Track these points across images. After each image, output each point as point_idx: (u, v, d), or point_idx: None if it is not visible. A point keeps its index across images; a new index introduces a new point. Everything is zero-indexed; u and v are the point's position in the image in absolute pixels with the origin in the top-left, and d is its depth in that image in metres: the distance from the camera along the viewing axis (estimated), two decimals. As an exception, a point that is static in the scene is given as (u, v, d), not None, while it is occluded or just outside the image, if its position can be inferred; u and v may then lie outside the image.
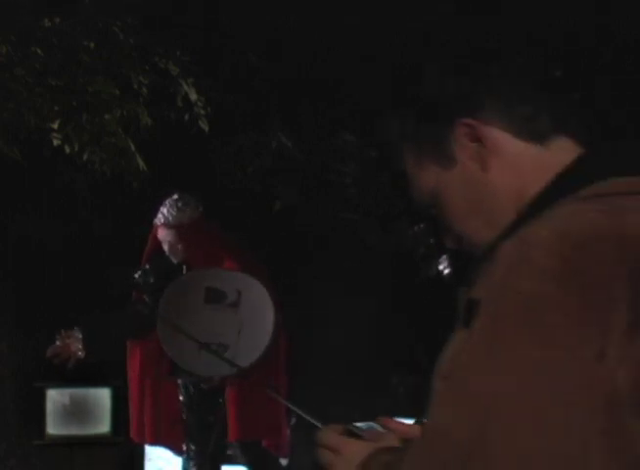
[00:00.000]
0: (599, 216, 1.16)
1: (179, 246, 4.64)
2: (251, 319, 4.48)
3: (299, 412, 2.41)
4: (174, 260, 4.68)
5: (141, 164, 5.44)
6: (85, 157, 5.33)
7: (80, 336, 4.46)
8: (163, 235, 4.66)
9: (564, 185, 1.25)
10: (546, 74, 1.37)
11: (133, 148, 5.43)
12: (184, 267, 4.67)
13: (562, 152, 1.31)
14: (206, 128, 5.72)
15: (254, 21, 6.85)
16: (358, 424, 1.53)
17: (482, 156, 1.32)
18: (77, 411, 6.38)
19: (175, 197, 4.70)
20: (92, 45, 5.31)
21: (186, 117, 5.77)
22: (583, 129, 1.35)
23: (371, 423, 1.56)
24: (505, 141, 1.32)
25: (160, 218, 4.65)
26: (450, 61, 1.38)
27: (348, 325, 6.77)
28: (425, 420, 1.29)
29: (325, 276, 6.95)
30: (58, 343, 4.42)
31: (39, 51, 5.17)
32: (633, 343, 1.09)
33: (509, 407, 1.09)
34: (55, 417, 6.35)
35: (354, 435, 1.49)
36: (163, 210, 4.65)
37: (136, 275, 4.79)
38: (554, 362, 1.09)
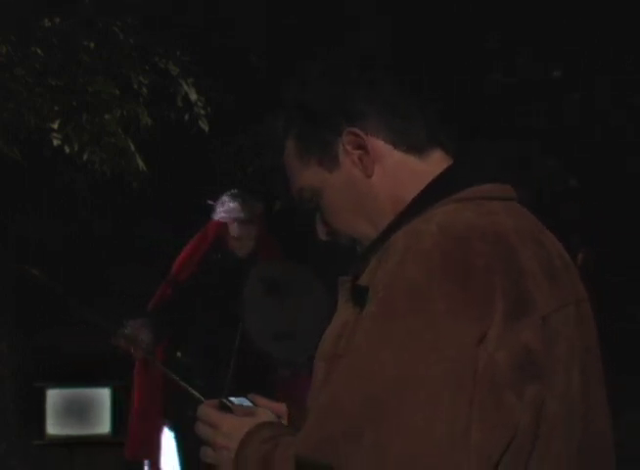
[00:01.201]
0: (474, 216, 1.34)
1: (252, 241, 4.64)
2: (307, 305, 4.53)
3: (183, 384, 2.34)
4: (242, 255, 4.66)
5: (141, 164, 5.44)
6: (85, 157, 5.33)
7: (151, 327, 4.37)
8: (242, 231, 4.61)
9: (440, 189, 1.40)
10: (419, 91, 1.50)
11: (133, 148, 5.42)
12: (249, 260, 4.65)
13: (436, 163, 1.46)
14: (206, 128, 5.72)
15: (254, 20, 6.86)
16: (233, 399, 1.55)
17: (366, 163, 1.44)
18: (77, 411, 6.38)
19: (238, 192, 4.66)
20: (92, 45, 5.30)
21: (186, 117, 5.76)
22: (452, 142, 1.50)
23: (243, 398, 1.57)
24: (386, 151, 1.45)
25: (234, 214, 4.58)
26: (339, 70, 1.49)
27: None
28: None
29: (325, 276, 6.94)
30: (127, 331, 4.29)
31: (39, 51, 5.17)
32: (509, 329, 1.25)
33: (400, 385, 1.21)
34: (55, 417, 6.35)
35: (229, 409, 1.52)
36: (242, 206, 4.58)
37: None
38: (440, 344, 1.22)
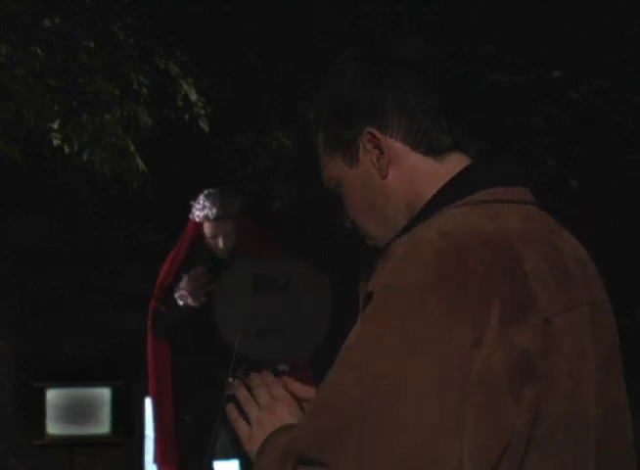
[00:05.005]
0: (479, 220, 1.34)
1: (232, 237, 4.57)
2: (306, 304, 4.49)
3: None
4: (222, 255, 4.60)
5: (141, 164, 5.44)
6: (85, 157, 5.33)
7: None
8: (215, 229, 4.53)
9: (452, 192, 1.41)
10: (445, 94, 1.49)
11: (133, 148, 5.43)
12: (231, 258, 4.60)
13: (454, 165, 1.45)
14: (207, 128, 5.72)
15: (254, 20, 6.86)
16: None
17: (382, 163, 1.45)
18: (77, 411, 6.38)
19: (212, 191, 4.58)
20: (92, 45, 5.30)
21: (186, 117, 5.76)
22: (475, 147, 1.50)
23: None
24: (404, 153, 1.45)
25: (210, 213, 4.51)
26: (368, 69, 1.49)
27: (349, 325, 6.77)
28: None
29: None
30: None
31: (39, 51, 5.17)
32: (505, 333, 1.26)
33: (389, 383, 1.22)
34: (55, 417, 6.35)
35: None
36: (212, 203, 4.51)
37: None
38: (432, 345, 1.23)
